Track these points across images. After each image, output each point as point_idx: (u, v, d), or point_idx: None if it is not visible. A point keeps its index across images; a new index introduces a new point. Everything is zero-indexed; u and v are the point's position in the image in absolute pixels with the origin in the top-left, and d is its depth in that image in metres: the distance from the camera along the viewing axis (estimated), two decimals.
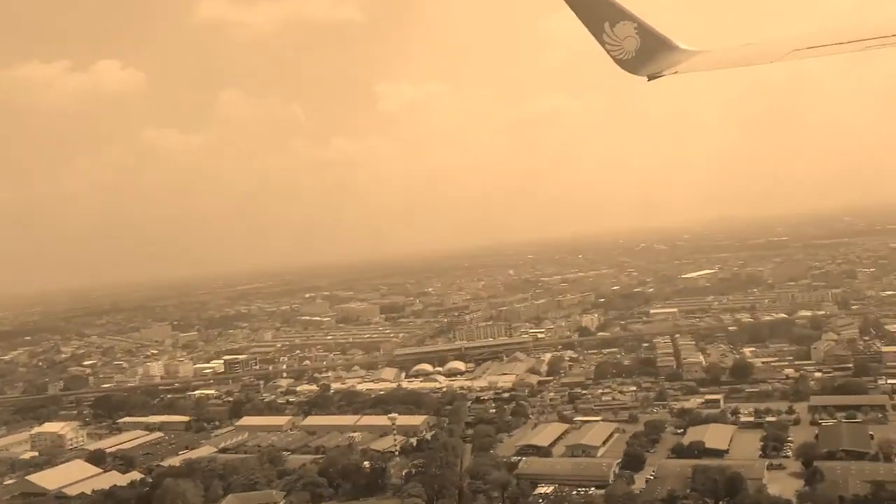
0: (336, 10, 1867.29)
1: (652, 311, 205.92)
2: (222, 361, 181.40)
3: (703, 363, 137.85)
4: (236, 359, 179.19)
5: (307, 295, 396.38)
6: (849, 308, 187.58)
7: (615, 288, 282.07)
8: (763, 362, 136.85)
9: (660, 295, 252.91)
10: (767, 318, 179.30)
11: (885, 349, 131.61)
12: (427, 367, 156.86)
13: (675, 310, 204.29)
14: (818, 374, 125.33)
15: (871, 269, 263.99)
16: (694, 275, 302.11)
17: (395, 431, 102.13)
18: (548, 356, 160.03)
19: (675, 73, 22.56)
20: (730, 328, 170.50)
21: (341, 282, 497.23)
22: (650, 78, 22.99)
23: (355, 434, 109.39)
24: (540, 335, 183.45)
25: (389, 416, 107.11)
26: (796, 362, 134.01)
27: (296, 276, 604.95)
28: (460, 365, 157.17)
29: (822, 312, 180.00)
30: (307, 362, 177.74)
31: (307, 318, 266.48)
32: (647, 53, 22.92)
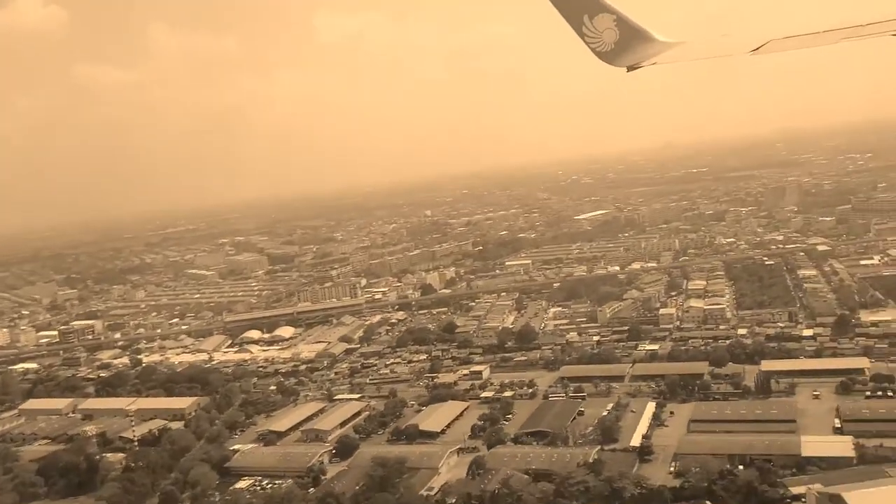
0: None
1: (507, 263, 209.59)
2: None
3: (499, 327, 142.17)
4: (70, 328, 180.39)
5: (221, 241, 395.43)
6: (679, 258, 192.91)
7: (503, 233, 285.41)
8: (555, 325, 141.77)
9: (537, 241, 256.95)
10: (600, 271, 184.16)
11: (663, 311, 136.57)
12: (254, 334, 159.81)
13: (529, 262, 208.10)
14: (595, 338, 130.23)
15: (747, 209, 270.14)
16: (586, 216, 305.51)
17: (132, 421, 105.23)
18: (376, 319, 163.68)
19: (654, 63, 22.89)
20: (554, 284, 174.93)
21: (268, 223, 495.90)
22: (629, 69, 23.45)
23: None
24: (379, 295, 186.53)
25: (129, 403, 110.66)
26: (583, 325, 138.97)
27: (230, 216, 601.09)
28: (288, 331, 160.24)
29: (652, 264, 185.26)
30: (141, 330, 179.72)
31: (195, 271, 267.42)
32: (625, 45, 23.42)
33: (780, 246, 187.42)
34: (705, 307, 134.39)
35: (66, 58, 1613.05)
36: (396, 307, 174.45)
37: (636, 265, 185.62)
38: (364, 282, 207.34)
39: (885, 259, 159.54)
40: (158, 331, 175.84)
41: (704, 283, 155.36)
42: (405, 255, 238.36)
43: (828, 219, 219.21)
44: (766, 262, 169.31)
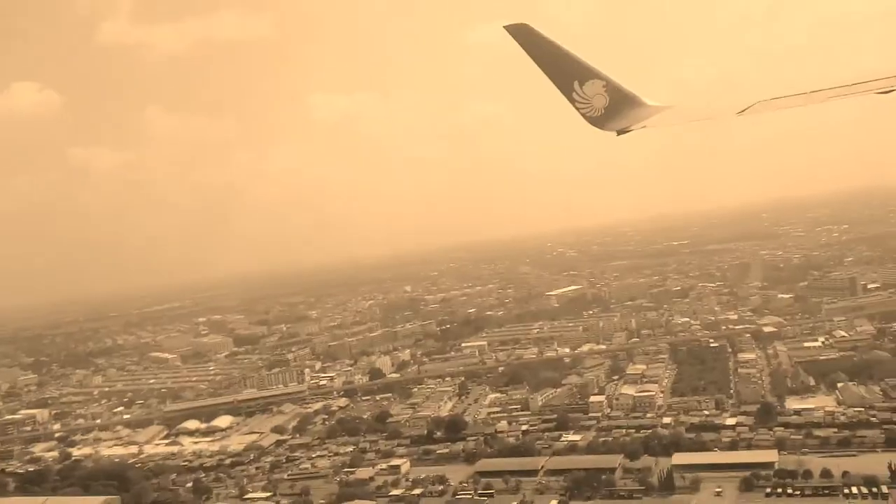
0: (245, 30, 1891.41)
1: (464, 345, 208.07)
2: None
3: (432, 416, 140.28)
4: (13, 418, 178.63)
5: (199, 320, 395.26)
6: (630, 339, 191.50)
7: (471, 311, 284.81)
8: (488, 413, 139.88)
9: (502, 320, 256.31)
10: (550, 353, 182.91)
11: (593, 398, 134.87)
12: (192, 424, 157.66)
13: (485, 343, 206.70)
14: (524, 428, 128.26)
15: (714, 284, 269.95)
16: (557, 292, 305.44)
17: None
18: (317, 407, 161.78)
19: (644, 127, 23.20)
20: (500, 368, 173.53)
21: (250, 299, 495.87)
22: (619, 133, 23.74)
23: None
24: (326, 381, 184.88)
25: (40, 502, 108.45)
26: (516, 413, 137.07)
27: (217, 292, 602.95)
28: (226, 421, 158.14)
29: (602, 346, 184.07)
30: (81, 420, 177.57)
31: (159, 354, 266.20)
32: (615, 110, 23.78)
33: (732, 326, 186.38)
34: (636, 394, 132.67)
35: (62, 141, 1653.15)
36: (341, 393, 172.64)
37: (586, 347, 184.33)
38: (318, 365, 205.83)
39: (829, 341, 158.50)
40: (98, 421, 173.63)
41: (644, 366, 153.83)
42: (366, 336, 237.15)
43: (786, 296, 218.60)
44: (712, 345, 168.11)
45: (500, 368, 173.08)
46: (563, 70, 23.93)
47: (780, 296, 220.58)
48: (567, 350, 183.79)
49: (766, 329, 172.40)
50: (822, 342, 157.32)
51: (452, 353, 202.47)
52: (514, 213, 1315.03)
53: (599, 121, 23.98)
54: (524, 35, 23.81)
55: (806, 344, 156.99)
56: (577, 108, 24.02)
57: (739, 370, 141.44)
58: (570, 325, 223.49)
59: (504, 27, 24.58)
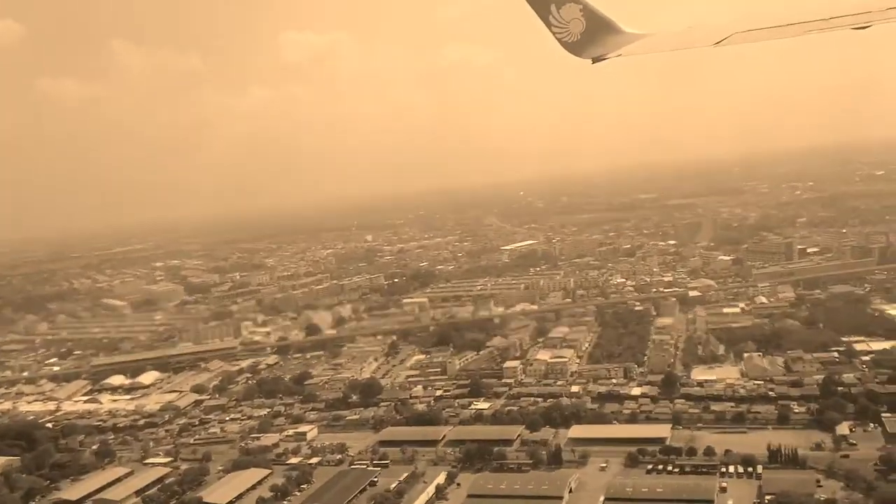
0: None
1: (405, 301, 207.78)
2: None
3: (353, 378, 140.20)
4: None
5: (155, 264, 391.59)
6: (565, 299, 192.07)
7: (423, 264, 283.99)
8: (406, 377, 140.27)
9: (450, 275, 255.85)
10: (483, 313, 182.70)
11: (507, 364, 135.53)
12: (117, 380, 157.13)
13: (426, 299, 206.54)
14: (438, 393, 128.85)
15: (665, 243, 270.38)
16: (511, 247, 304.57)
17: None
18: (245, 364, 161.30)
19: (619, 55, 22.67)
20: (431, 328, 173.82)
21: (212, 243, 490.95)
22: (594, 60, 23.21)
23: None
24: (261, 336, 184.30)
25: None
26: (433, 377, 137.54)
27: (182, 235, 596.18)
28: (151, 377, 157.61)
29: (534, 307, 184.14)
30: (8, 372, 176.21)
31: (108, 300, 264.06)
32: (591, 36, 23.27)
33: (663, 289, 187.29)
34: (550, 360, 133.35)
35: (26, 72, 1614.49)
36: (274, 350, 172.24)
37: (520, 307, 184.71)
38: (261, 318, 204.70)
39: (750, 306, 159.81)
40: (24, 374, 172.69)
41: (567, 329, 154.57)
42: (312, 289, 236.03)
43: (727, 258, 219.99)
44: (636, 308, 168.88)
45: (432, 328, 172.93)
46: None
47: (720, 257, 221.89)
48: (501, 310, 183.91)
49: (692, 293, 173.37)
50: (742, 308, 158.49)
51: (393, 308, 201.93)
52: (492, 159, 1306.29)
53: (575, 47, 23.63)
54: None
55: (725, 310, 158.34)
56: (553, 33, 23.58)
57: (655, 336, 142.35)
58: (514, 282, 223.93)
59: None
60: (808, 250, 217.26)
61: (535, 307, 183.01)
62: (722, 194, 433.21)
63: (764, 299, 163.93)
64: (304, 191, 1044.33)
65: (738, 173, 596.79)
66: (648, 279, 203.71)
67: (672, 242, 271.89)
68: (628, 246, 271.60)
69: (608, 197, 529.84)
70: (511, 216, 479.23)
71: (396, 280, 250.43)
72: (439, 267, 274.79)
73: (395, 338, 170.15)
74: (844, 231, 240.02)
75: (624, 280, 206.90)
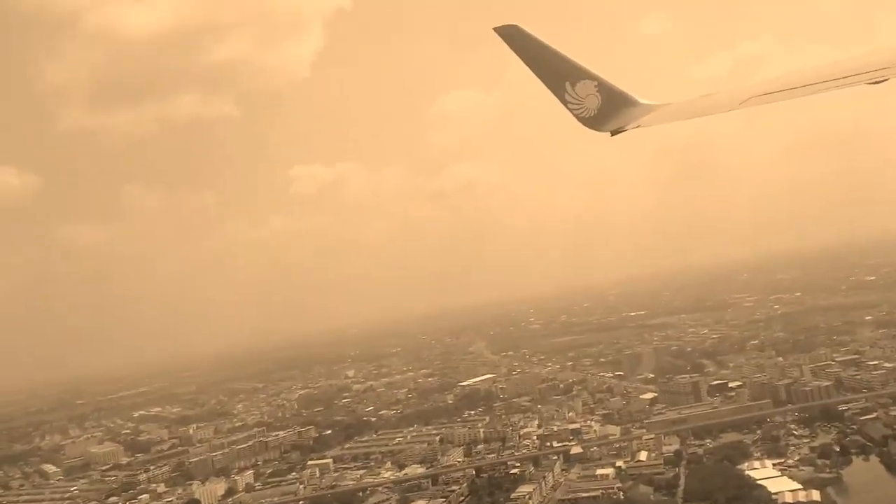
0: (207, 109, 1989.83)
1: (309, 463, 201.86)
2: None
3: None
4: None
5: (137, 413, 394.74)
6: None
7: (369, 409, 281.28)
8: None
9: (388, 421, 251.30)
10: (369, 478, 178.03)
11: None
12: None
13: (329, 460, 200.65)
14: None
15: (611, 375, 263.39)
16: (468, 382, 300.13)
17: None
18: None
19: (638, 126, 23.37)
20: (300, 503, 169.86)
21: (211, 383, 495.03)
22: (613, 133, 23.86)
23: None
24: None
25: None
26: None
27: (192, 372, 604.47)
28: None
29: (402, 472, 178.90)
30: None
31: (46, 466, 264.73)
32: (608, 110, 23.93)
33: (560, 442, 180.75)
34: None
35: (46, 221, 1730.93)
36: None
37: (409, 469, 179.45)
38: (160, 490, 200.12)
39: (626, 465, 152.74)
40: None
41: None
42: (232, 450, 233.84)
43: (647, 397, 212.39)
44: (512, 472, 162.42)
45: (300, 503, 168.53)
46: (555, 71, 23.93)
47: (642, 396, 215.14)
48: (389, 474, 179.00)
49: (574, 450, 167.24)
50: (617, 469, 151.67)
51: (293, 475, 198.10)
52: (508, 273, 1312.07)
53: (593, 121, 23.97)
54: (514, 36, 23.94)
55: (599, 471, 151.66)
56: (570, 110, 23.99)
57: None
58: (433, 433, 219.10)
59: (494, 29, 24.54)
60: (731, 384, 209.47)
61: (420, 470, 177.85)
62: (705, 310, 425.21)
63: (643, 456, 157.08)
64: (325, 316, 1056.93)
65: (742, 280, 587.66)
66: (558, 426, 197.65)
67: (618, 374, 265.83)
68: (571, 380, 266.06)
69: (603, 315, 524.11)
70: (500, 341, 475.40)
71: (329, 432, 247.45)
72: (383, 412, 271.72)
73: None
74: (780, 360, 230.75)
75: (535, 428, 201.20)
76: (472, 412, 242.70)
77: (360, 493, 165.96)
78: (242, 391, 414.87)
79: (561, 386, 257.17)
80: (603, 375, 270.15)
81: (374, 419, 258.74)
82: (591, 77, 23.93)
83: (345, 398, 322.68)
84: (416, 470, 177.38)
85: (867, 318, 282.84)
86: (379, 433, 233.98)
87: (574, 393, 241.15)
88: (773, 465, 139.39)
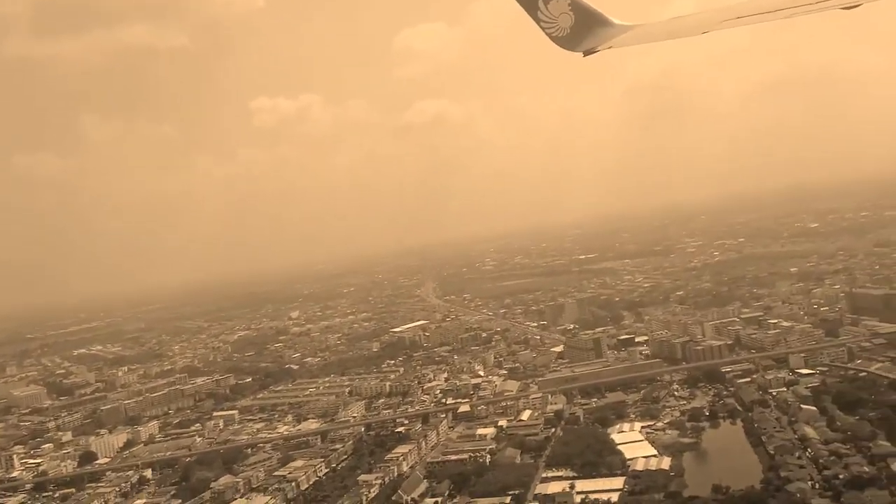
0: (160, 39, 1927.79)
1: (214, 414, 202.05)
2: None
3: None
4: None
5: (78, 351, 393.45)
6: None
7: (296, 355, 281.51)
8: None
9: (310, 369, 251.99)
10: (265, 433, 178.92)
11: None
12: None
13: (234, 412, 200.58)
14: None
15: (535, 325, 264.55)
16: (401, 329, 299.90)
17: None
18: None
19: (610, 47, 22.92)
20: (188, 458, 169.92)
21: (164, 319, 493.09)
22: (585, 53, 23.43)
23: None
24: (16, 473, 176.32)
25: None
26: None
27: (150, 307, 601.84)
28: None
29: (317, 426, 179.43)
30: None
31: None
32: (581, 29, 23.51)
33: (457, 398, 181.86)
34: None
35: (2, 150, 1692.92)
36: (30, 486, 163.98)
37: (306, 424, 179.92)
38: (65, 439, 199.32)
39: (510, 423, 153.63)
40: None
41: (301, 464, 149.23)
42: (147, 397, 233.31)
43: (556, 350, 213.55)
44: (399, 430, 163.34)
45: (189, 459, 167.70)
46: None
47: (551, 350, 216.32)
48: (286, 429, 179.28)
49: (462, 409, 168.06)
50: (499, 427, 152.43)
51: (198, 426, 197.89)
52: (478, 211, 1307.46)
53: (565, 41, 23.65)
54: None
55: (480, 431, 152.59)
56: (543, 28, 23.62)
57: (363, 478, 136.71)
58: (346, 383, 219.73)
59: None
60: (637, 339, 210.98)
61: (315, 425, 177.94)
62: (650, 255, 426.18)
63: (526, 415, 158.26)
64: (291, 252, 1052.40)
65: (699, 223, 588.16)
66: (463, 380, 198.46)
67: (542, 323, 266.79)
68: (497, 329, 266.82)
69: (555, 257, 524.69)
70: (450, 283, 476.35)
71: (249, 379, 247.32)
72: (308, 359, 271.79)
73: (145, 473, 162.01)
74: (697, 314, 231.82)
75: (442, 381, 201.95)
76: (393, 362, 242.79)
77: (249, 450, 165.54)
78: (187, 331, 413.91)
79: (483, 335, 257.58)
80: (528, 325, 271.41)
81: (296, 367, 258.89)
82: None
83: (279, 342, 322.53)
84: (311, 425, 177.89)
85: (792, 269, 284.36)
86: (295, 383, 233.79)
87: (493, 344, 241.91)
88: (642, 428, 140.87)
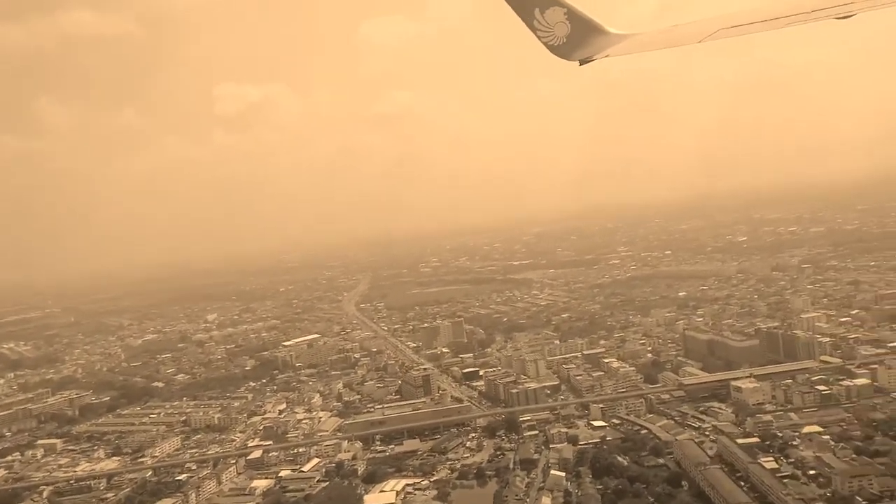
0: (107, 27, 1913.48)
1: (38, 443, 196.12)
2: None
3: None
4: None
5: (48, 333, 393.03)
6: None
7: (170, 371, 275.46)
8: None
9: (177, 389, 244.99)
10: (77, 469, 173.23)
11: None
12: None
13: (57, 441, 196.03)
14: None
15: (414, 346, 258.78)
16: (290, 343, 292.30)
17: None
18: None
19: (606, 56, 23.08)
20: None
21: (97, 312, 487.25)
22: (582, 62, 23.56)
23: None
24: None
25: None
26: None
27: (105, 295, 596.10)
28: None
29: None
30: None
31: None
32: (577, 38, 23.68)
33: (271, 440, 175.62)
34: None
35: None
36: None
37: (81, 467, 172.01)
38: None
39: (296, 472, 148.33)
40: None
41: None
42: (25, 408, 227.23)
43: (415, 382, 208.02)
44: (178, 478, 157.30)
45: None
46: None
47: (397, 382, 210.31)
48: (89, 466, 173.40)
49: (253, 455, 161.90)
50: (273, 481, 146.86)
51: (18, 454, 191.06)
52: (439, 207, 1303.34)
53: (561, 50, 23.70)
54: None
55: (254, 483, 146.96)
56: (539, 37, 23.73)
57: None
58: (188, 410, 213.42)
59: None
60: (481, 373, 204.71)
61: (114, 465, 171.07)
62: (576, 265, 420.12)
63: (310, 465, 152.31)
64: (267, 236, 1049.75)
65: (646, 229, 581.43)
66: (294, 413, 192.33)
67: (417, 345, 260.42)
68: (373, 350, 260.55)
69: (488, 263, 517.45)
70: (379, 287, 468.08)
71: (107, 398, 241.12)
72: (179, 376, 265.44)
73: None
74: (558, 343, 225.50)
75: (277, 413, 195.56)
76: (254, 384, 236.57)
77: (27, 492, 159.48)
78: (104, 330, 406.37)
79: (354, 357, 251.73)
80: (407, 346, 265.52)
81: (162, 385, 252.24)
82: (561, 4, 23.62)
83: (175, 350, 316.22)
84: (110, 464, 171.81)
85: (681, 293, 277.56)
86: (146, 406, 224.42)
87: (356, 369, 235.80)
88: (406, 486, 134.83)
